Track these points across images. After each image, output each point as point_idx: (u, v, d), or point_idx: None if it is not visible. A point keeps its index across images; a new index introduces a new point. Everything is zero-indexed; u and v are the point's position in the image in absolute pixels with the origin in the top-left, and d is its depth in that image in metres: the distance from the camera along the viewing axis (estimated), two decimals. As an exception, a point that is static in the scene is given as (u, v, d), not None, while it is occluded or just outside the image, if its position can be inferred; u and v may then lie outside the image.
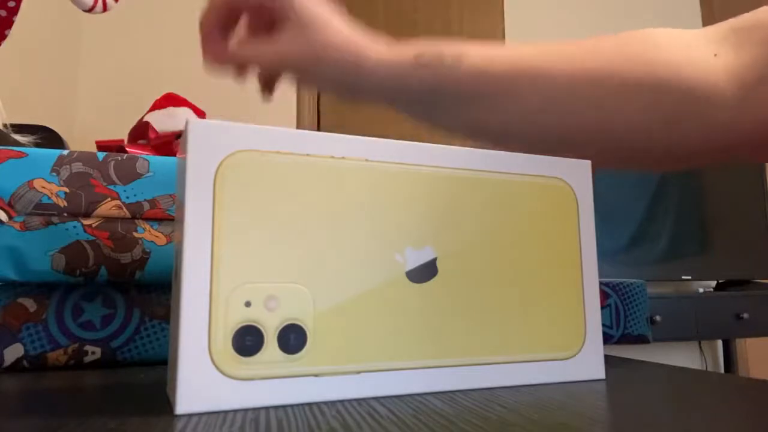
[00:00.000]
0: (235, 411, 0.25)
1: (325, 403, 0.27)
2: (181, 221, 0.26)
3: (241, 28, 0.44)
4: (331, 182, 0.29)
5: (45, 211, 0.39)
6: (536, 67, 0.41)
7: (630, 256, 2.00)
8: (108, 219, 0.40)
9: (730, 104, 0.38)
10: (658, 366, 0.38)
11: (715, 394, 0.28)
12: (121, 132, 1.98)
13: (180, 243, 0.26)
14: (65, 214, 0.39)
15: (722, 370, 2.29)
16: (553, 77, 0.41)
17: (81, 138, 1.93)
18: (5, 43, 0.71)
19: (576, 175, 0.35)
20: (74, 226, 0.39)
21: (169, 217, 0.42)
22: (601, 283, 0.50)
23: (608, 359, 0.42)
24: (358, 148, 0.30)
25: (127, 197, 0.41)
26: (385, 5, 2.26)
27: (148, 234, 0.40)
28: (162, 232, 0.41)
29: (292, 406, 0.26)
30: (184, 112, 1.34)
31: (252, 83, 0.46)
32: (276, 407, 0.26)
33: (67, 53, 1.88)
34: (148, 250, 0.40)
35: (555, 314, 0.33)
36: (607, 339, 0.49)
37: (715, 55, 0.39)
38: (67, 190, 0.39)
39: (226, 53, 0.43)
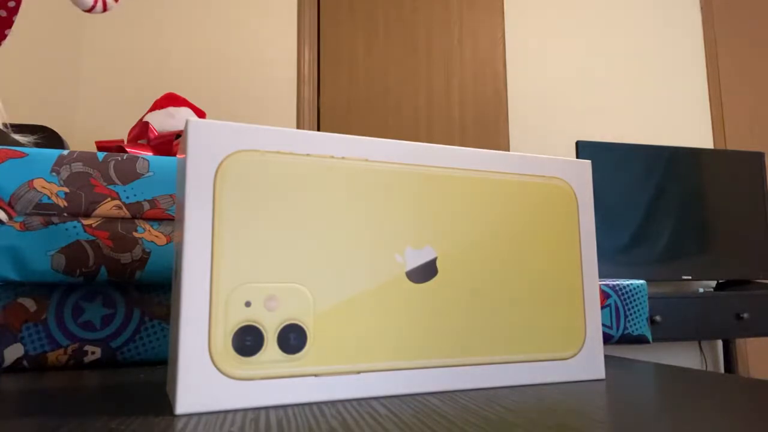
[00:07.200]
0: (235, 411, 0.25)
1: (325, 403, 0.27)
2: (181, 221, 0.26)
3: None
4: (331, 182, 0.29)
5: (45, 211, 0.38)
6: None
7: (630, 256, 2.00)
8: (108, 219, 0.40)
9: None
10: (658, 366, 0.38)
11: (715, 394, 0.28)
12: (121, 132, 1.98)
13: (180, 243, 0.26)
14: (65, 214, 0.39)
15: (722, 370, 2.28)
16: None
17: (81, 138, 1.93)
18: (5, 42, 0.71)
19: (576, 175, 0.35)
20: (74, 226, 0.39)
21: (169, 217, 0.42)
22: (601, 283, 0.50)
23: (608, 359, 0.42)
24: (358, 148, 0.30)
25: (127, 197, 0.41)
26: (385, 5, 2.26)
27: (148, 234, 0.40)
28: (162, 232, 0.41)
29: (292, 406, 0.26)
30: (184, 112, 1.34)
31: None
32: (276, 407, 0.26)
33: (67, 53, 1.88)
34: (148, 250, 0.40)
35: (555, 314, 0.33)
36: (607, 339, 0.49)
37: None
38: (67, 190, 0.39)
39: None
